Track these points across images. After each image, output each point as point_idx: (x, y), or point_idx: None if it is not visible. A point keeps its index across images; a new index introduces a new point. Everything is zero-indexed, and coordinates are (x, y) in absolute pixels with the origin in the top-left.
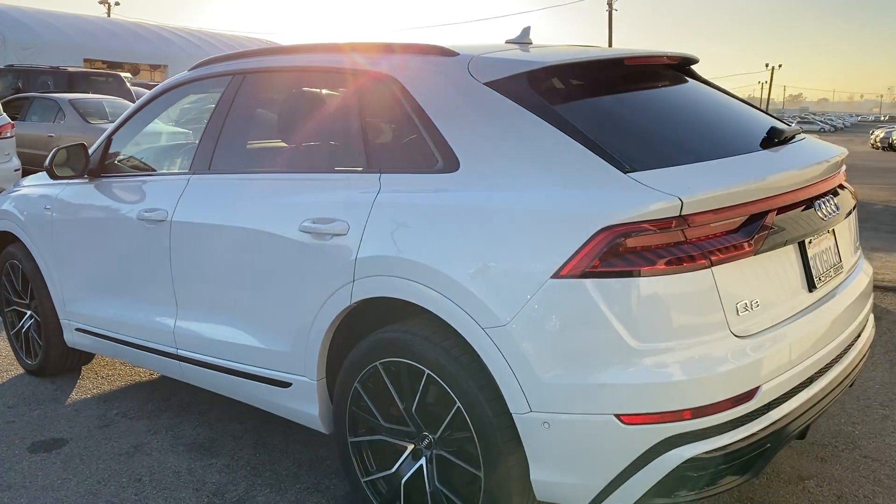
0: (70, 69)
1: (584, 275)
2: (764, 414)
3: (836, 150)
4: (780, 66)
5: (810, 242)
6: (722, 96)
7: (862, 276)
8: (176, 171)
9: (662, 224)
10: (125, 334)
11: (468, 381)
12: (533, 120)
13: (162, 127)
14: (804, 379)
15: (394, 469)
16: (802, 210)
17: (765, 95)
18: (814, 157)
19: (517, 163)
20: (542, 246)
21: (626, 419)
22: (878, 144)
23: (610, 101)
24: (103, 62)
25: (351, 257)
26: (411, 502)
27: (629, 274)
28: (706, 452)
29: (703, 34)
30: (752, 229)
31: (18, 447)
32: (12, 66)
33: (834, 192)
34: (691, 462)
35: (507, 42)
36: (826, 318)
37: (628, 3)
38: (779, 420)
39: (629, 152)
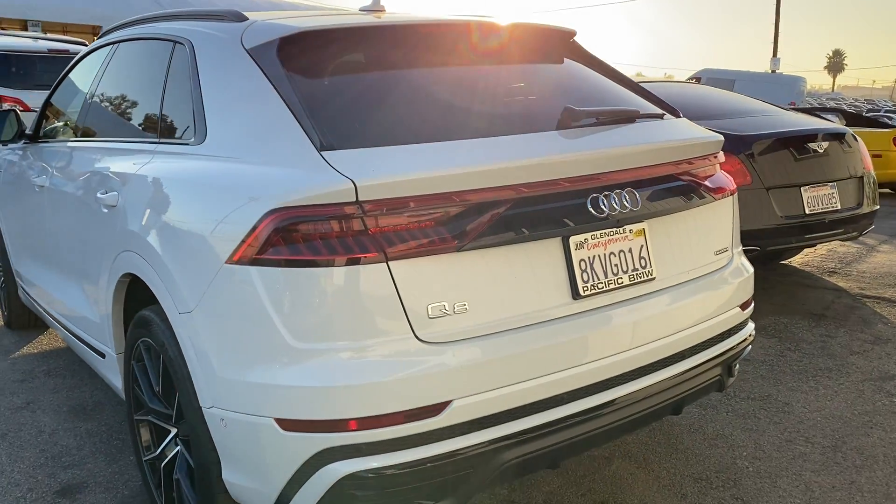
0: None
1: (253, 262)
2: (462, 434)
3: (677, 135)
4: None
5: (584, 242)
6: (572, 72)
7: (706, 288)
8: (63, 138)
9: (333, 210)
10: (36, 297)
11: (183, 367)
12: (266, 89)
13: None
14: (538, 400)
15: (157, 452)
16: (566, 203)
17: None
18: (615, 142)
19: (242, 135)
20: (223, 228)
21: (284, 425)
22: None
23: (367, 73)
24: None
25: (117, 230)
26: (172, 488)
27: (293, 264)
28: (372, 470)
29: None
30: (461, 221)
31: None
32: None
33: (637, 185)
34: (353, 479)
35: (360, 9)
36: (591, 331)
37: None
38: (489, 444)
39: (339, 129)
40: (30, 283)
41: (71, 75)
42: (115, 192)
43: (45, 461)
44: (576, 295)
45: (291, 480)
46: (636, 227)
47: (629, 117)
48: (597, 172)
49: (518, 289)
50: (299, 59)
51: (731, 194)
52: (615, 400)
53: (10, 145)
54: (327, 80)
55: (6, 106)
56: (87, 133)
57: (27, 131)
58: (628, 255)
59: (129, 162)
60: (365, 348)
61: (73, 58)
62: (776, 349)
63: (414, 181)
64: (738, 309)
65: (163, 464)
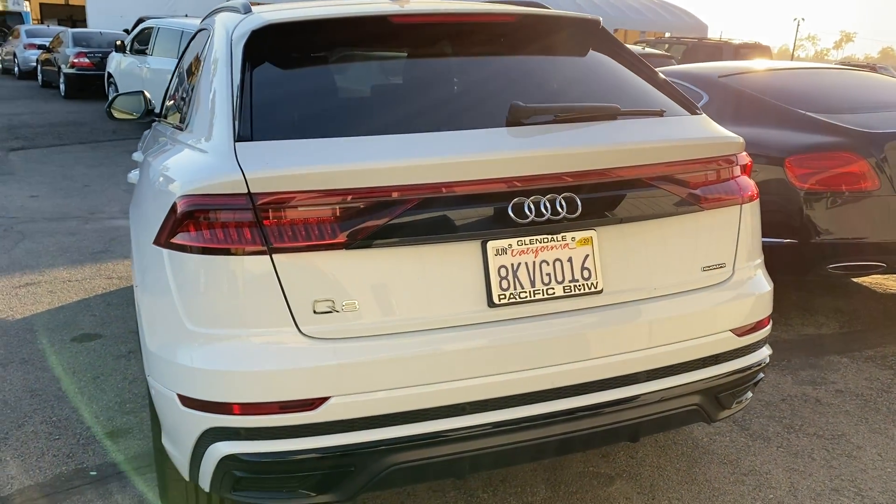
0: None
1: (166, 244)
2: (342, 431)
3: (664, 136)
4: None
5: (506, 248)
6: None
7: (682, 307)
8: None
9: (225, 200)
10: None
11: None
12: (226, 81)
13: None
14: (433, 406)
15: None
16: (484, 206)
17: None
18: (562, 142)
19: (202, 123)
20: (157, 212)
21: (184, 401)
22: None
23: (320, 66)
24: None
25: (132, 208)
26: None
27: (189, 250)
28: (249, 454)
29: None
30: (353, 219)
31: None
32: None
33: (586, 189)
34: (232, 460)
35: None
36: (505, 342)
37: None
38: (372, 444)
39: (264, 121)
40: None
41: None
42: (136, 172)
43: (114, 405)
44: (491, 303)
45: (193, 453)
46: (580, 234)
47: (606, 114)
48: (527, 175)
49: (425, 292)
50: (260, 51)
51: (742, 203)
52: (533, 416)
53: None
54: (277, 73)
55: None
56: (165, 115)
57: (155, 110)
58: (566, 265)
59: (152, 144)
60: (248, 337)
61: None
62: (883, 383)
63: (307, 176)
64: (730, 334)
65: None
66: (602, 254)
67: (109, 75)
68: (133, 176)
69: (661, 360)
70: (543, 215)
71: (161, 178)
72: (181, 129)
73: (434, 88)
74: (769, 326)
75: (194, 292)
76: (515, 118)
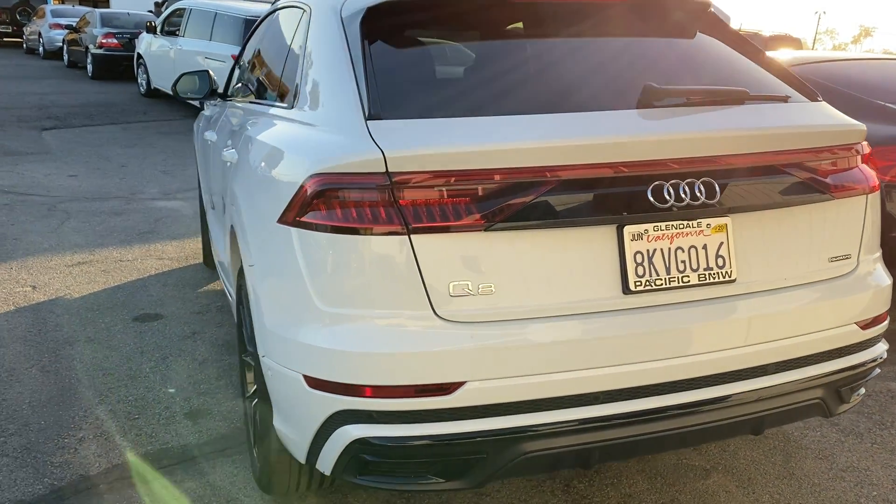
0: None
1: (294, 223)
2: (476, 417)
3: (793, 122)
4: None
5: (643, 234)
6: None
7: (810, 298)
8: (231, 97)
9: (362, 179)
10: (211, 242)
11: (251, 316)
12: (343, 58)
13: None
14: (567, 395)
15: (250, 392)
16: (622, 189)
17: None
18: (698, 125)
19: (318, 101)
20: (279, 189)
21: (310, 382)
22: None
23: (442, 44)
24: None
25: (229, 185)
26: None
27: (324, 229)
28: (380, 437)
29: None
30: (492, 200)
31: (125, 315)
32: None
33: (723, 174)
34: (362, 444)
35: None
36: (640, 330)
37: None
38: (505, 432)
39: (393, 99)
40: (208, 229)
41: (250, 40)
42: (234, 150)
43: (187, 386)
44: (626, 289)
45: (316, 436)
46: (716, 221)
47: (735, 98)
48: (666, 158)
49: (559, 276)
50: (379, 28)
51: (867, 192)
52: (666, 407)
53: (213, 102)
54: (400, 50)
55: None
56: (243, 93)
57: (219, 90)
58: (701, 252)
59: (249, 122)
60: (383, 318)
61: None
62: None
63: (446, 155)
64: (855, 326)
65: (253, 403)
66: (736, 241)
67: (139, 56)
68: (229, 154)
69: (790, 351)
70: (683, 200)
71: (279, 157)
72: (286, 108)
73: (559, 68)
74: (887, 321)
75: (327, 271)
76: (647, 100)
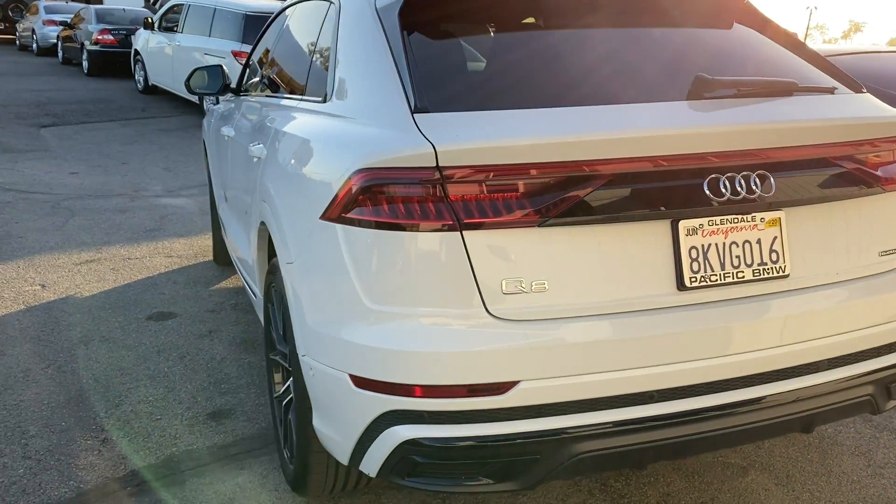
0: None
1: (339, 220)
2: (529, 417)
3: (843, 113)
4: None
5: (698, 228)
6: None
7: (860, 294)
8: (248, 92)
9: (412, 174)
10: (226, 238)
11: (289, 315)
12: (382, 51)
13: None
14: (621, 394)
15: (280, 391)
16: (677, 183)
17: None
18: (750, 118)
19: (356, 94)
20: (321, 185)
21: (357, 382)
22: None
23: (484, 35)
24: None
25: (258, 180)
26: (287, 427)
27: (371, 225)
28: (432, 438)
29: None
30: (545, 195)
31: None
32: None
33: (775, 167)
34: (412, 445)
35: None
36: (695, 328)
37: None
38: (559, 432)
39: (440, 92)
40: (223, 225)
41: (265, 34)
42: (262, 145)
43: (208, 385)
44: (681, 286)
45: (362, 437)
46: (770, 215)
47: (783, 90)
48: (721, 151)
49: (613, 273)
50: (419, 20)
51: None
52: (719, 406)
53: (227, 98)
54: (441, 42)
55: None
56: (261, 88)
57: (231, 85)
58: (755, 247)
59: (276, 117)
60: (433, 316)
61: None
62: None
63: (498, 149)
64: None
65: (283, 403)
66: (789, 236)
67: (136, 53)
68: (257, 150)
69: (843, 347)
70: (739, 194)
71: (318, 152)
72: (318, 101)
73: (606, 58)
74: None
75: (374, 269)
76: (698, 91)
